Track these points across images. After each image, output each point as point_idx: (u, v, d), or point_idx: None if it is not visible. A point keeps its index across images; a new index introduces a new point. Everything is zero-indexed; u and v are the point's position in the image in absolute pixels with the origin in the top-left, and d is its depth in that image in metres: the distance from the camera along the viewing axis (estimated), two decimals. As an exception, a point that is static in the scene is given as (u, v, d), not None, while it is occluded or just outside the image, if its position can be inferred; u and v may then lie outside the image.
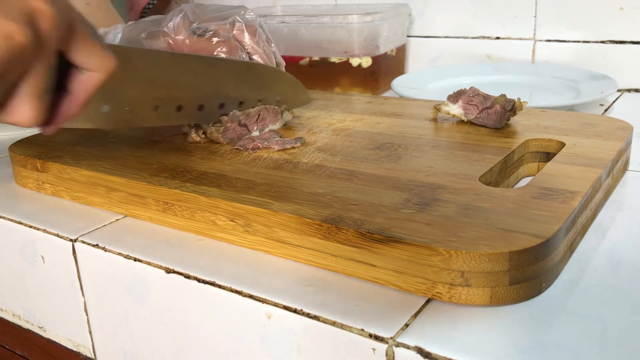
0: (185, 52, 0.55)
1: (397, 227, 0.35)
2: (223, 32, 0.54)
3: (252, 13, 0.56)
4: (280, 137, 0.53)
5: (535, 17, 0.84)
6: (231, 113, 0.52)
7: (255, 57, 0.55)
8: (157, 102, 0.48)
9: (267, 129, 0.54)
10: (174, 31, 0.54)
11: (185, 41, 0.54)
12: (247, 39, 0.55)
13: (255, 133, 0.54)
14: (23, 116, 0.33)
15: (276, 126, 0.55)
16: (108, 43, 0.42)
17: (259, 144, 0.50)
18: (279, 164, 0.47)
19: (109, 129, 0.46)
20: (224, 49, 0.53)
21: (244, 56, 0.54)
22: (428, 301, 0.33)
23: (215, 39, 0.54)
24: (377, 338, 0.31)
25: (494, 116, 0.52)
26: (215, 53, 0.54)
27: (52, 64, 0.34)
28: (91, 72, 0.36)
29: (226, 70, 0.53)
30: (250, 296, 0.35)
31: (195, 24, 0.55)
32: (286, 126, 0.57)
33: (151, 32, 0.55)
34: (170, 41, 0.55)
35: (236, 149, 0.51)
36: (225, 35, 0.54)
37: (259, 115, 0.53)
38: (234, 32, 0.55)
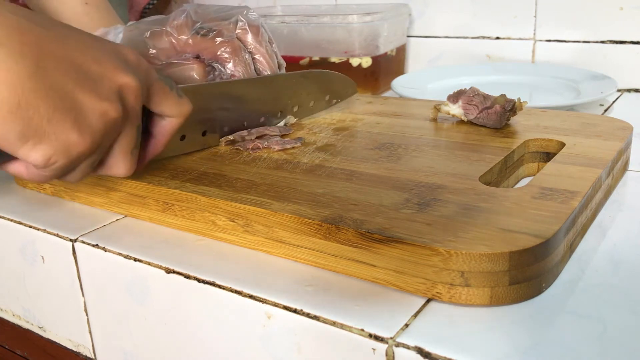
0: (188, 51, 0.55)
1: (397, 227, 0.35)
2: (227, 32, 0.54)
3: (254, 13, 0.56)
4: (280, 137, 0.53)
5: (535, 17, 0.84)
6: (249, 136, 0.53)
7: (258, 57, 0.55)
8: (225, 125, 0.53)
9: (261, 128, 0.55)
10: (177, 31, 0.54)
11: (189, 41, 0.54)
12: (250, 38, 0.55)
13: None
14: (119, 170, 0.39)
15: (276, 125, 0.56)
16: (181, 86, 0.47)
17: (259, 144, 0.50)
18: (279, 164, 0.47)
19: (183, 153, 0.51)
20: (228, 49, 0.53)
21: (246, 56, 0.54)
22: (428, 301, 0.33)
23: (218, 39, 0.54)
24: (377, 338, 0.31)
25: (494, 116, 0.52)
26: (218, 53, 0.54)
27: (139, 125, 0.39)
28: (171, 118, 0.41)
29: (283, 84, 0.56)
30: (250, 296, 0.35)
31: (198, 24, 0.55)
32: (286, 126, 0.57)
33: (154, 32, 0.55)
34: (174, 41, 0.55)
35: (236, 149, 0.51)
36: (228, 35, 0.54)
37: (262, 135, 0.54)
38: (237, 31, 0.55)
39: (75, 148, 0.34)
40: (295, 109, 0.57)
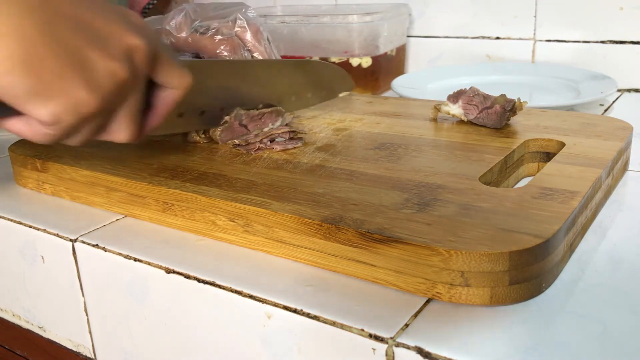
0: (187, 50, 0.55)
1: (397, 227, 0.35)
2: (225, 29, 0.54)
3: (252, 11, 0.56)
4: (290, 138, 0.53)
5: (535, 17, 0.84)
6: (235, 111, 0.52)
7: (256, 55, 0.55)
8: (222, 105, 0.52)
9: (265, 129, 0.54)
10: (176, 29, 0.55)
11: (188, 39, 0.54)
12: (248, 36, 0.55)
13: (255, 132, 0.53)
14: (121, 135, 0.38)
15: (275, 126, 0.55)
16: (182, 59, 0.47)
17: (261, 145, 0.50)
18: (279, 164, 0.47)
19: (184, 131, 0.50)
20: (227, 47, 0.54)
21: (245, 54, 0.54)
22: (428, 301, 0.33)
23: (217, 37, 0.54)
24: (377, 338, 0.31)
25: (494, 116, 0.52)
26: (217, 51, 0.54)
27: (142, 89, 0.38)
28: (172, 89, 0.40)
29: (280, 70, 0.55)
30: (250, 296, 0.35)
31: (197, 22, 0.55)
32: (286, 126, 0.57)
33: None
34: (173, 39, 0.55)
35: (236, 149, 0.51)
36: (227, 33, 0.54)
37: (261, 117, 0.53)
38: (236, 29, 0.55)
39: (84, 106, 0.34)
40: (293, 98, 0.56)
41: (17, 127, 0.36)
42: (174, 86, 0.40)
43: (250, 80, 0.53)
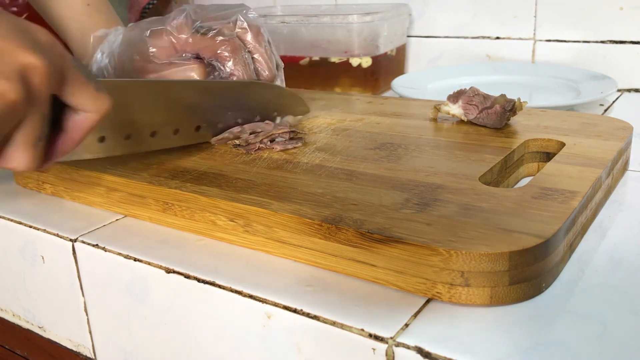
0: (188, 50, 0.55)
1: (397, 227, 0.35)
2: (227, 30, 0.54)
3: (253, 12, 0.56)
4: (290, 139, 0.52)
5: (535, 17, 0.84)
6: (242, 133, 0.52)
7: (257, 57, 0.55)
8: (154, 128, 0.49)
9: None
10: (177, 30, 0.54)
11: (189, 40, 0.54)
12: (249, 38, 0.55)
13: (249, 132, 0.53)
14: (19, 163, 0.34)
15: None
16: (102, 80, 0.43)
17: (261, 145, 0.50)
18: (279, 164, 0.47)
19: (105, 156, 0.47)
20: (228, 48, 0.53)
21: (246, 56, 0.54)
22: (428, 301, 0.33)
23: (219, 38, 0.54)
24: (377, 338, 0.31)
25: (494, 116, 0.52)
26: (218, 51, 0.54)
27: (45, 113, 0.34)
28: (86, 113, 0.36)
29: (223, 91, 0.53)
30: (250, 296, 0.35)
31: (198, 23, 0.55)
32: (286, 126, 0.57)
33: (154, 31, 0.55)
34: (173, 40, 0.55)
35: (236, 149, 0.51)
36: (228, 34, 0.54)
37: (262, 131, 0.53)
38: (237, 30, 0.55)
39: None
40: (239, 120, 0.54)
41: None
42: (88, 110, 0.36)
43: (191, 102, 0.51)
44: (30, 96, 0.33)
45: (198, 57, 0.56)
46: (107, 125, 0.40)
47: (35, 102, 0.33)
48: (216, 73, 0.55)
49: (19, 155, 0.34)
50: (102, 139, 0.45)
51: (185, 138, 0.51)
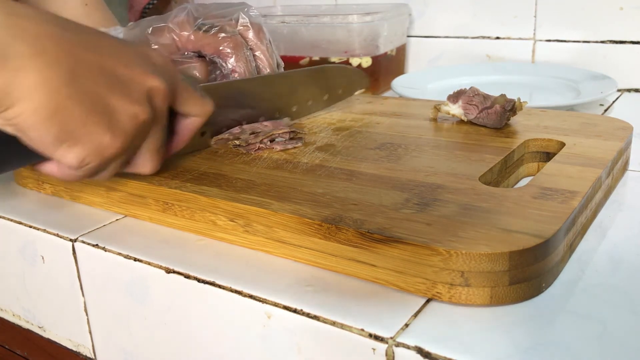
0: (190, 48, 0.55)
1: (397, 227, 0.35)
2: (229, 27, 0.54)
3: (255, 10, 0.56)
4: (290, 139, 0.52)
5: (535, 17, 0.84)
6: (242, 134, 0.52)
7: (258, 54, 0.55)
8: (242, 119, 0.53)
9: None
10: (179, 27, 0.54)
11: (191, 37, 0.54)
12: (251, 35, 0.55)
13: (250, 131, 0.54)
14: (145, 168, 0.41)
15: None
16: (203, 85, 0.49)
17: (261, 145, 0.50)
18: (279, 164, 0.47)
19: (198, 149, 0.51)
20: (230, 45, 0.53)
21: (247, 53, 0.54)
22: (428, 301, 0.33)
23: (221, 35, 0.54)
24: (377, 338, 0.31)
25: (494, 116, 0.52)
26: (220, 48, 0.54)
27: (165, 124, 0.40)
28: (194, 117, 0.43)
29: (299, 80, 0.56)
30: (250, 296, 0.35)
31: (199, 20, 0.55)
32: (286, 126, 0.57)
33: (156, 28, 0.55)
34: (175, 37, 0.55)
35: (236, 149, 0.51)
36: (230, 31, 0.54)
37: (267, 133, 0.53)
38: (239, 28, 0.55)
39: (107, 149, 0.36)
40: (294, 108, 0.57)
41: (50, 169, 0.38)
42: (195, 114, 0.43)
43: (255, 97, 0.54)
44: (155, 114, 0.38)
45: (200, 56, 0.56)
46: (207, 123, 0.45)
47: (158, 117, 0.39)
48: (217, 72, 0.55)
49: (147, 162, 0.40)
50: (202, 134, 0.50)
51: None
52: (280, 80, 0.55)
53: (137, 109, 0.37)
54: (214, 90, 0.50)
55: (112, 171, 0.39)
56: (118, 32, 0.59)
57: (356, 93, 0.63)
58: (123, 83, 0.36)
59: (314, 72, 0.58)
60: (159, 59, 0.39)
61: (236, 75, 0.54)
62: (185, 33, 0.54)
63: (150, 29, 0.55)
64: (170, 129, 0.43)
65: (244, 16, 0.55)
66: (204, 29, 0.54)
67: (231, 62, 0.53)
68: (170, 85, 0.39)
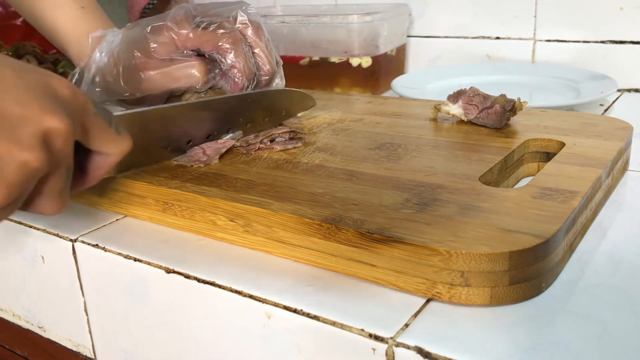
0: (189, 46, 0.55)
1: (397, 227, 0.35)
2: (227, 24, 0.54)
3: (253, 8, 0.56)
4: (290, 139, 0.52)
5: (535, 17, 0.84)
6: (237, 135, 0.52)
7: (257, 51, 0.55)
8: (167, 144, 0.50)
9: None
10: (177, 25, 0.54)
11: (189, 35, 0.54)
12: (250, 32, 0.55)
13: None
14: (46, 210, 0.35)
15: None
16: (119, 114, 0.43)
17: (262, 146, 0.50)
18: (279, 164, 0.47)
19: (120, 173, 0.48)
20: (229, 40, 0.53)
21: (246, 49, 0.54)
22: (428, 301, 0.33)
23: (220, 31, 0.54)
24: (377, 338, 0.31)
25: (494, 116, 0.52)
26: (219, 44, 0.53)
27: (69, 166, 0.34)
28: (107, 155, 0.37)
29: (236, 104, 0.54)
30: (250, 296, 0.35)
31: (198, 18, 0.55)
32: (286, 126, 0.57)
33: (155, 27, 0.55)
34: (174, 35, 0.54)
35: (236, 149, 0.51)
36: (229, 27, 0.54)
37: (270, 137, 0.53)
38: (238, 25, 0.55)
39: None
40: (248, 125, 0.55)
41: None
42: (110, 152, 0.37)
43: (203, 119, 0.52)
44: (54, 157, 0.33)
45: (199, 55, 0.55)
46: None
47: (60, 160, 0.33)
48: (217, 70, 0.55)
49: (48, 204, 0.35)
50: (125, 168, 0.47)
51: (195, 145, 0.51)
52: (213, 105, 0.53)
53: (28, 156, 0.31)
54: (138, 119, 0.46)
55: (5, 215, 0.33)
56: (116, 32, 0.59)
57: (299, 115, 0.60)
58: (11, 124, 0.30)
59: (254, 96, 0.55)
60: (65, 91, 0.33)
61: (235, 70, 0.53)
62: (184, 31, 0.54)
63: (149, 27, 0.55)
64: (81, 164, 0.38)
65: (242, 14, 0.55)
66: (202, 26, 0.54)
67: (230, 57, 0.53)
68: (77, 120, 0.34)
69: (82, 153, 0.37)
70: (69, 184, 0.35)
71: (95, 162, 0.37)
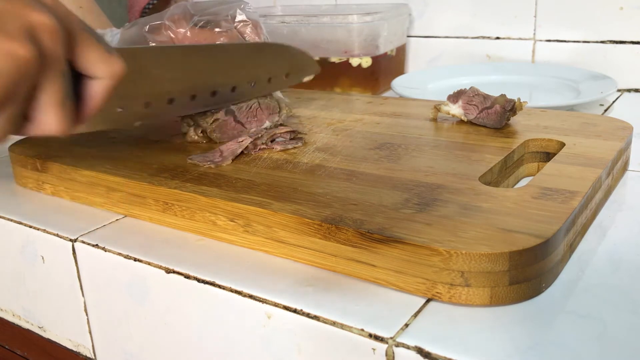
0: (187, 44, 0.55)
1: (397, 227, 0.35)
2: (225, 23, 0.54)
3: (251, 7, 0.56)
4: (291, 139, 0.52)
5: (535, 17, 0.84)
6: (226, 108, 0.51)
7: None
8: (171, 95, 0.48)
9: (263, 126, 0.54)
10: (175, 24, 0.54)
11: (187, 33, 0.54)
12: (249, 31, 0.55)
13: (252, 130, 0.53)
14: (50, 125, 0.34)
15: (274, 122, 0.55)
16: (117, 48, 0.42)
17: (262, 145, 0.50)
18: (279, 164, 0.47)
19: (124, 128, 0.45)
20: (226, 40, 0.53)
21: None
22: (428, 301, 0.33)
23: (217, 29, 0.54)
24: (377, 338, 0.31)
25: (494, 116, 0.52)
26: (217, 42, 0.53)
27: (64, 71, 0.34)
28: (101, 79, 0.36)
29: (236, 54, 0.52)
30: (250, 296, 0.35)
31: (196, 17, 0.55)
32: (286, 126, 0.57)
33: (153, 26, 0.55)
34: (172, 34, 0.55)
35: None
36: (227, 26, 0.54)
37: (254, 112, 0.53)
38: (235, 24, 0.55)
39: None
40: (252, 84, 0.53)
41: None
42: (101, 75, 0.36)
43: (201, 67, 0.50)
44: (45, 55, 0.32)
45: None
46: (124, 94, 0.39)
47: (51, 61, 0.33)
48: None
49: (50, 118, 0.34)
50: (118, 110, 0.45)
51: (202, 104, 0.50)
52: (214, 52, 0.51)
53: (15, 45, 0.31)
54: (131, 53, 0.45)
55: (3, 127, 0.32)
56: (114, 32, 0.59)
57: (305, 79, 0.58)
58: None
59: (257, 49, 0.54)
60: (49, 0, 0.34)
61: None
62: (182, 30, 0.54)
63: (147, 26, 0.55)
64: (79, 96, 0.36)
65: (240, 13, 0.55)
66: (200, 25, 0.54)
67: None
68: (63, 26, 0.33)
69: (78, 85, 0.36)
70: (69, 94, 0.35)
71: (90, 89, 0.36)
